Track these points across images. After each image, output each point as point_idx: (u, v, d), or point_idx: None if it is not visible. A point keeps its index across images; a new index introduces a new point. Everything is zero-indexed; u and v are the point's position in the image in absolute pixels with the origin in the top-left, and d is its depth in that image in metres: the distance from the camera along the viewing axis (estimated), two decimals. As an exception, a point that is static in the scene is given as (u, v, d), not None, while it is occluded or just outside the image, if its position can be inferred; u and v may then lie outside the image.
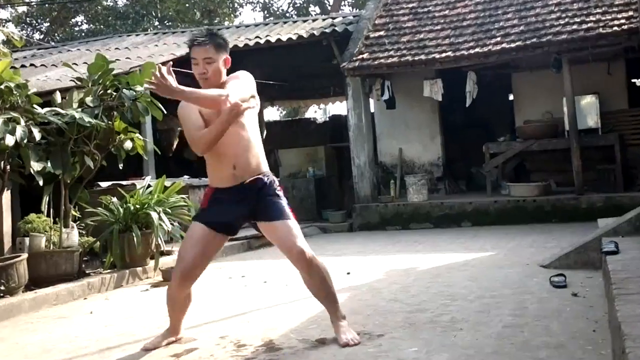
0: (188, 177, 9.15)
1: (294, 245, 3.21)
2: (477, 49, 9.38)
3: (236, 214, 3.29)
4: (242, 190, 3.26)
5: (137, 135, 6.52)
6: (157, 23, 21.48)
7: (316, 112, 26.67)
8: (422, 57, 9.70)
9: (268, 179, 3.32)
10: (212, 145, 3.18)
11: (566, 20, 9.20)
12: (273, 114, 23.22)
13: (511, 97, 11.71)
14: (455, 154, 11.71)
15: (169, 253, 7.01)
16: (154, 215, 6.20)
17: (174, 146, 16.10)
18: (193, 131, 3.24)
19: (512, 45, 9.12)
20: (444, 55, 9.56)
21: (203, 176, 10.12)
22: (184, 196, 6.87)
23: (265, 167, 3.35)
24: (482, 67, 9.88)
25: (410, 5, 11.38)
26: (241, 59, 12.75)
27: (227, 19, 22.95)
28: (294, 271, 3.45)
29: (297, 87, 14.40)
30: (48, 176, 5.93)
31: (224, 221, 3.30)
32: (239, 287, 5.42)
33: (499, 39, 9.45)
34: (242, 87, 3.24)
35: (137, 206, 6.37)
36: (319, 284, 3.31)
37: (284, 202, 3.31)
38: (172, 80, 2.93)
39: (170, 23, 21.45)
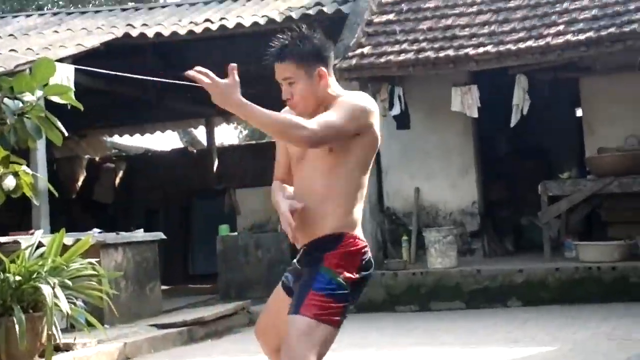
0: (100, 230, 9.10)
1: (293, 353, 3.23)
2: (529, 42, 9.50)
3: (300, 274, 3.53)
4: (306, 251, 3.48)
5: (24, 168, 6.49)
6: (58, -1, 21.62)
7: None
8: (450, 52, 9.81)
9: (333, 237, 3.38)
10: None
11: (660, 2, 9.39)
12: (229, 134, 23.29)
13: (579, 113, 11.84)
14: (499, 197, 11.75)
15: (68, 348, 6.90)
16: (47, 290, 6.14)
17: (80, 183, 16.11)
18: (275, 166, 3.66)
19: (581, 37, 9.27)
20: (481, 50, 9.67)
21: (123, 228, 10.08)
22: (93, 260, 6.83)
23: (343, 226, 3.40)
24: (537, 68, 10.00)
25: (432, -24, 11.54)
26: (182, 52, 12.92)
27: (162, -7, 23.09)
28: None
29: (266, 96, 14.40)
30: None
31: (291, 286, 3.54)
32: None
33: (561, 27, 9.61)
34: (336, 118, 3.29)
35: (21, 277, 6.31)
36: None
37: (324, 279, 3.31)
38: (235, 86, 3.17)
39: (77, -1, 21.54)
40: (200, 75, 3.17)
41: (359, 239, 3.42)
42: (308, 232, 3.41)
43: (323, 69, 3.40)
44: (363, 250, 3.41)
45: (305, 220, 3.39)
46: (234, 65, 3.23)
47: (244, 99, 3.17)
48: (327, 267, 3.33)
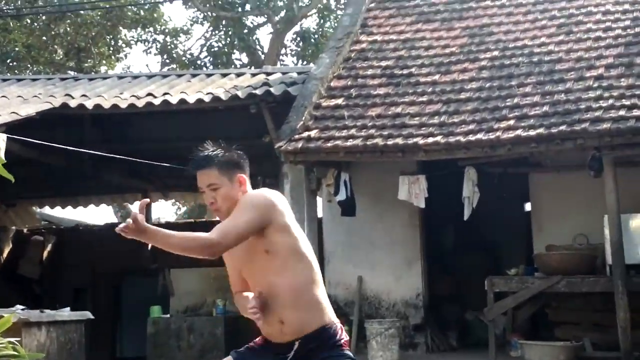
0: (23, 307, 8.88)
1: None
2: (479, 135, 9.66)
3: None
4: (290, 349, 3.79)
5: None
6: (-6, 62, 21.50)
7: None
8: (399, 141, 9.93)
9: (330, 331, 3.82)
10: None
11: (610, 102, 9.61)
12: (167, 211, 23.15)
13: (528, 208, 12.01)
14: (444, 290, 11.81)
15: None
16: (-40, 371, 5.94)
17: (4, 255, 15.78)
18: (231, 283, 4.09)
19: (532, 133, 9.43)
20: (430, 140, 9.80)
21: (47, 305, 9.85)
22: (13, 340, 6.63)
23: (326, 314, 3.84)
24: (486, 161, 10.16)
25: (383, 64, 11.78)
26: (122, 125, 12.90)
27: (105, 62, 23.20)
28: None
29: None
30: None
31: None
32: None
33: (512, 122, 9.78)
34: (235, 220, 3.69)
35: None
36: None
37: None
38: (141, 219, 3.52)
39: (15, 63, 21.48)
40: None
41: (335, 323, 3.86)
42: (293, 329, 3.77)
43: (243, 175, 3.86)
44: (338, 329, 3.88)
45: (286, 318, 3.76)
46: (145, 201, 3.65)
47: (150, 227, 3.57)
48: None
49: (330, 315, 3.86)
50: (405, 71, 11.48)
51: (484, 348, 10.15)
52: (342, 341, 3.84)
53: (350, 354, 3.85)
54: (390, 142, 9.95)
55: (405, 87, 11.14)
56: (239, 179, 3.84)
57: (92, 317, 9.59)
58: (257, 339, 3.99)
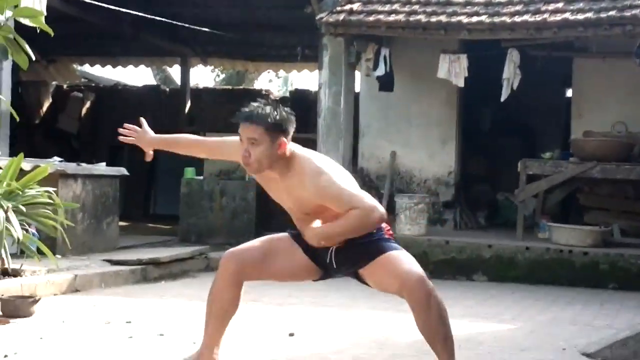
0: (60, 159, 9.07)
1: (410, 271, 3.81)
2: (525, 17, 9.54)
3: (325, 252, 4.03)
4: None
5: (-14, 88, 6.47)
6: None
7: (271, 81, 26.74)
8: (442, 18, 9.84)
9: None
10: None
11: (664, -13, 9.42)
12: (205, 76, 23.21)
13: (569, 94, 11.93)
14: (476, 170, 11.88)
15: (16, 274, 6.93)
16: (-1, 213, 6.14)
17: (44, 109, 16.03)
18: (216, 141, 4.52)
19: (580, 17, 9.30)
20: (474, 19, 9.70)
21: (84, 159, 10.05)
22: (49, 189, 6.81)
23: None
24: (531, 44, 10.05)
25: (432, -64, 11.50)
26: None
27: None
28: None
29: (245, 41, 14.45)
30: None
31: (313, 248, 4.01)
32: (119, 339, 5.39)
33: (560, 5, 9.65)
34: (347, 190, 3.86)
35: (-26, 196, 6.29)
36: (438, 321, 3.81)
37: (386, 239, 3.99)
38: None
39: None
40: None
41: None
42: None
43: (284, 139, 3.91)
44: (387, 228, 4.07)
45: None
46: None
47: (319, 228, 3.92)
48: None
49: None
50: (454, -56, 11.22)
51: (512, 228, 10.29)
52: (384, 231, 4.02)
53: (392, 239, 4.02)
54: (433, 19, 9.85)
55: (453, -38, 10.93)
56: (280, 143, 3.90)
57: (127, 173, 9.79)
58: None
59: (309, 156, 3.98)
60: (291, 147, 3.97)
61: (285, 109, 3.99)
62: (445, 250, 9.69)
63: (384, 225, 3.99)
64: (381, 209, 3.81)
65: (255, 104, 3.93)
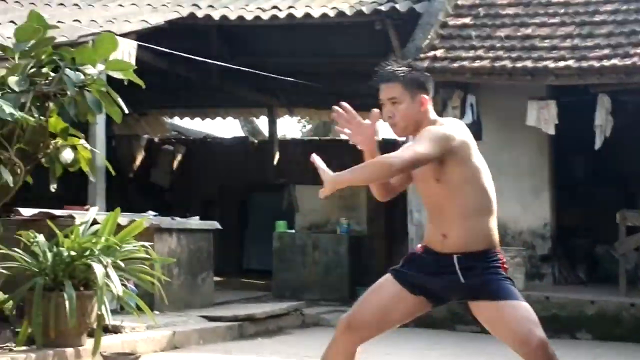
0: (155, 214, 9.25)
1: (531, 333, 3.73)
2: (614, 60, 9.41)
3: (440, 282, 3.99)
4: (450, 262, 3.95)
5: (83, 142, 6.63)
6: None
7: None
8: (528, 63, 9.77)
9: (490, 253, 3.98)
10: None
11: None
12: (292, 127, 23.42)
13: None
14: (573, 222, 11.54)
15: (116, 330, 7.05)
16: (99, 269, 6.26)
17: (137, 163, 16.35)
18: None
19: (671, 59, 9.15)
20: (561, 64, 9.61)
21: (178, 213, 10.22)
22: (146, 244, 6.94)
23: (491, 241, 4.00)
24: (621, 89, 9.87)
25: (514, -18, 11.49)
26: (247, 38, 13.04)
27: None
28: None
29: (331, 91, 14.48)
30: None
31: (421, 283, 3.99)
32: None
33: (651, 47, 9.49)
34: (417, 147, 3.80)
35: (74, 252, 6.44)
36: None
37: (509, 282, 3.94)
38: (328, 174, 3.75)
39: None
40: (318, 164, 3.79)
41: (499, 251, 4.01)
42: (454, 243, 3.93)
43: (425, 96, 3.94)
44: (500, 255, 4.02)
45: (449, 233, 3.93)
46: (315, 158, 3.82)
47: (340, 174, 3.72)
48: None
49: (495, 244, 4.00)
50: (538, -10, 11.18)
51: (614, 283, 9.97)
52: (502, 264, 3.97)
53: (509, 278, 3.97)
54: (519, 64, 9.80)
55: (536, 7, 10.89)
56: (420, 99, 3.93)
57: (220, 227, 9.91)
58: (418, 247, 4.16)
59: (443, 121, 3.99)
60: (431, 110, 3.97)
61: (421, 68, 4.09)
62: (546, 306, 9.38)
63: (501, 256, 3.99)
64: (395, 164, 3.70)
65: (389, 66, 4.00)
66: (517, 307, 3.83)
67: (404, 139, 4.15)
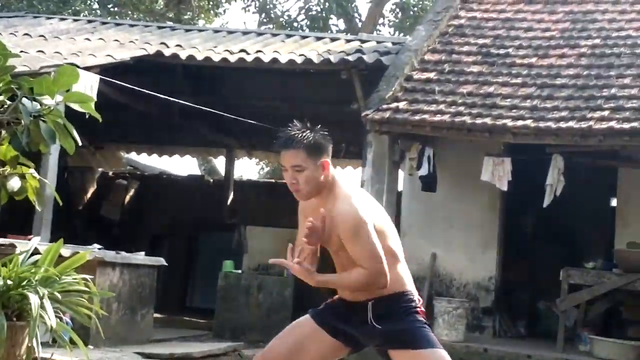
0: (100, 247, 9.10)
1: None
2: (571, 123, 9.50)
3: (355, 325, 4.04)
4: (364, 309, 4.01)
5: (32, 171, 6.52)
6: (96, 5, 21.88)
7: (315, 176, 26.75)
8: (488, 121, 9.83)
9: (405, 297, 4.03)
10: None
11: None
12: (249, 169, 23.38)
13: (614, 203, 11.79)
14: (517, 277, 11.68)
15: (47, 363, 6.86)
16: (34, 299, 6.08)
17: (89, 195, 16.19)
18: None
19: (625, 125, 9.24)
20: (519, 123, 9.67)
21: (125, 248, 10.09)
22: (87, 277, 6.80)
23: (402, 284, 4.06)
24: (575, 151, 9.98)
25: (480, 41, 11.64)
26: (214, 78, 13.06)
27: (204, 16, 23.42)
28: None
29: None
30: None
31: (339, 325, 4.06)
32: None
33: (606, 113, 9.59)
34: (368, 245, 3.89)
35: (11, 281, 6.28)
36: None
37: (421, 326, 3.98)
38: (309, 271, 3.93)
39: (116, 9, 21.83)
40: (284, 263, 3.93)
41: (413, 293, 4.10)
42: (366, 291, 3.97)
43: (327, 160, 3.96)
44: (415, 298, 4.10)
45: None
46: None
47: (322, 276, 3.92)
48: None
49: (408, 286, 4.06)
50: (501, 51, 11.30)
51: (553, 339, 10.05)
52: (417, 308, 4.01)
53: (425, 321, 4.00)
54: (478, 121, 9.85)
55: (500, 67, 10.98)
56: (322, 164, 3.93)
57: (165, 263, 9.79)
58: (333, 298, 4.20)
59: (348, 193, 3.98)
60: (333, 171, 4.00)
61: (321, 131, 4.02)
62: (484, 358, 9.49)
63: (418, 298, 4.05)
64: (388, 277, 3.86)
65: (289, 131, 3.96)
66: (431, 356, 3.90)
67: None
